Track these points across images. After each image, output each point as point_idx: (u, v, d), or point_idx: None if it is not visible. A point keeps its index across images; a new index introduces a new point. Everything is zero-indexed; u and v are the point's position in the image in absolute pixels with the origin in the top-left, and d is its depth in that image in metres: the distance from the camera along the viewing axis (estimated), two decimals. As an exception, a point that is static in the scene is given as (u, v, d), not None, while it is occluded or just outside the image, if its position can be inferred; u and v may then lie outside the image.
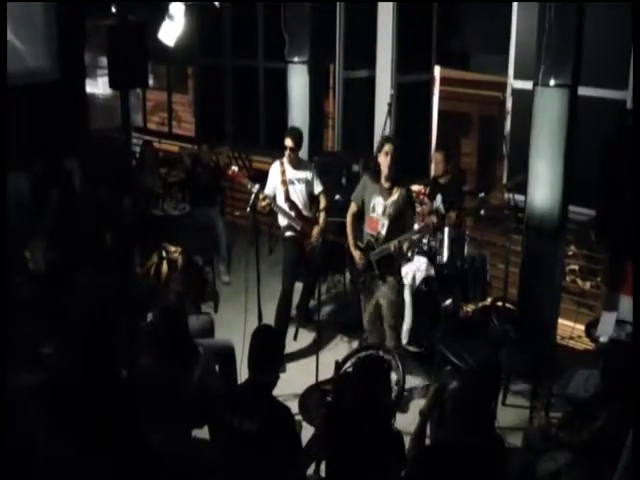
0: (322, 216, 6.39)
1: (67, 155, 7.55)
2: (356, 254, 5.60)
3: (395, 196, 5.47)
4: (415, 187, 7.37)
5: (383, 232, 5.48)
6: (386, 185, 5.48)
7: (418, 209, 6.72)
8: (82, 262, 5.75)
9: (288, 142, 6.19)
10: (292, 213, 6.25)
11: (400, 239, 5.38)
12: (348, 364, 4.86)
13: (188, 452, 3.99)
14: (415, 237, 5.71)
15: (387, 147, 5.43)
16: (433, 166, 7.16)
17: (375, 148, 7.67)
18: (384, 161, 5.41)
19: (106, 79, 7.73)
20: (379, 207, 5.47)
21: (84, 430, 3.42)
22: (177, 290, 6.10)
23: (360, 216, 5.67)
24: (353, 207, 5.72)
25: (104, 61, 9.66)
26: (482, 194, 6.51)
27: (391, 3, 7.94)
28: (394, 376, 5.44)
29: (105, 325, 4.23)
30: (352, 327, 6.63)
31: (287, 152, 6.21)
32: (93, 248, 6.31)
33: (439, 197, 6.80)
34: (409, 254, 5.94)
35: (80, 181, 7.60)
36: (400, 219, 5.48)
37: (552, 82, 5.61)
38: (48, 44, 8.05)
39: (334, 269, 7.65)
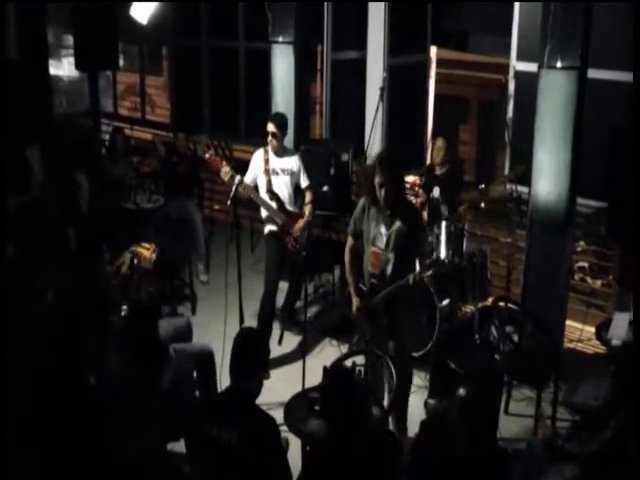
0: (307, 209, 6.37)
1: (28, 142, 7.49)
2: (355, 301, 5.10)
3: (398, 223, 4.88)
4: (410, 178, 7.37)
5: (389, 270, 4.96)
6: (387, 211, 4.92)
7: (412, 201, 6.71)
8: (44, 259, 5.69)
9: (270, 127, 6.13)
10: (274, 206, 6.21)
11: (420, 271, 4.80)
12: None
13: (163, 466, 3.97)
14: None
15: (377, 178, 4.81)
16: (431, 154, 7.13)
17: (366, 157, 7.66)
18: (378, 191, 4.85)
19: (72, 60, 7.66)
20: (381, 238, 4.94)
21: (46, 442, 3.39)
22: (149, 291, 6.05)
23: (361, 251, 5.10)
24: (350, 241, 5.17)
25: (69, 40, 9.61)
26: (482, 185, 6.50)
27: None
28: (386, 383, 5.43)
29: (70, 328, 4.20)
30: (341, 330, 6.61)
31: (269, 138, 6.16)
32: (56, 244, 6.24)
33: (437, 189, 6.78)
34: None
35: (42, 170, 7.54)
36: (409, 250, 4.94)
37: (558, 64, 5.60)
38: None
39: (322, 267, 7.63)
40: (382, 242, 4.96)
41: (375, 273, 5.00)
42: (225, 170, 5.85)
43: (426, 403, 5.44)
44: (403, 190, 5.09)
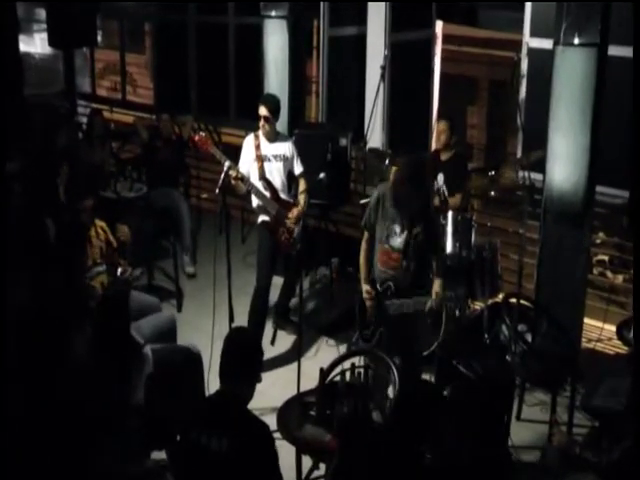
0: (302, 198, 6.37)
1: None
2: (364, 287, 5.22)
3: (418, 229, 5.02)
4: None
5: (407, 278, 5.11)
6: (406, 213, 5.04)
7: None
8: (19, 259, 5.65)
9: (263, 111, 6.13)
10: (267, 194, 6.20)
11: (444, 298, 4.96)
12: (334, 372, 4.81)
13: (143, 474, 3.98)
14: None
15: (394, 173, 5.08)
16: (434, 138, 7.12)
17: (366, 142, 7.65)
18: (396, 189, 4.99)
19: (45, 35, 7.57)
20: (395, 238, 5.06)
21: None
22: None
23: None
24: (365, 234, 5.31)
25: (42, 13, 9.54)
26: (492, 172, 6.48)
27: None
28: (390, 389, 5.42)
29: (46, 329, 4.20)
30: (339, 329, 6.59)
31: (261, 123, 6.15)
32: (31, 240, 6.20)
33: (441, 176, 6.77)
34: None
35: (17, 157, 7.49)
36: (428, 258, 5.11)
37: (576, 40, 5.57)
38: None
39: (318, 261, 7.62)
40: (395, 241, 5.05)
41: (389, 274, 5.11)
42: (217, 152, 5.92)
43: None
44: (428, 195, 5.22)
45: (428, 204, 5.25)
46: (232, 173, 5.86)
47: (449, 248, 6.39)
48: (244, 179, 6.05)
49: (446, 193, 6.62)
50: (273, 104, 6.20)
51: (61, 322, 4.47)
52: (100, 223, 6.07)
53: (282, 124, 6.86)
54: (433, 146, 7.70)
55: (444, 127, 6.86)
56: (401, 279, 5.11)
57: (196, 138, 6.11)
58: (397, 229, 5.04)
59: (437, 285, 5.10)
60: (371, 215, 5.18)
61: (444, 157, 6.93)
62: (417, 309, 5.04)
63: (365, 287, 5.22)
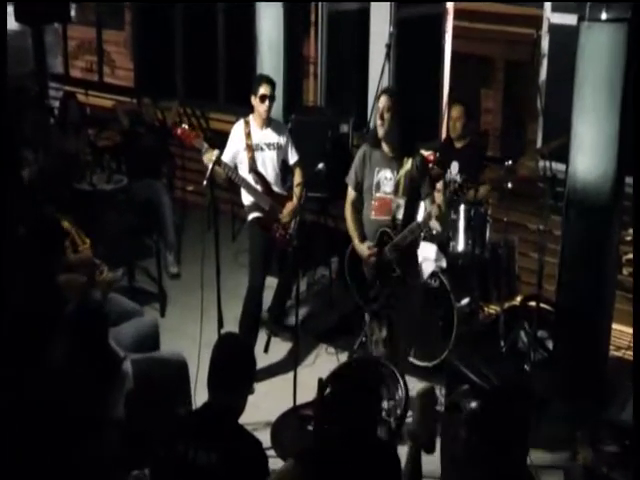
0: (298, 192, 6.37)
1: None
2: (362, 247, 5.51)
3: (408, 166, 5.38)
4: (422, 153, 7.36)
5: (400, 216, 5.41)
6: (392, 153, 5.44)
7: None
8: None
9: (266, 89, 6.12)
10: (258, 188, 6.19)
11: (430, 210, 5.29)
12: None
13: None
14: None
15: (382, 100, 5.38)
16: (449, 124, 7.10)
17: (369, 129, 7.75)
18: (379, 120, 5.36)
19: (11, 10, 7.54)
20: (388, 183, 5.43)
21: None
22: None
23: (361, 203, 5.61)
24: (351, 193, 5.66)
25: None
26: (509, 162, 6.48)
27: None
28: (395, 397, 5.43)
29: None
30: (339, 335, 6.60)
31: (266, 104, 6.12)
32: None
33: (455, 165, 6.77)
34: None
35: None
36: (417, 197, 5.44)
37: (603, 15, 5.56)
38: None
39: (316, 260, 7.63)
40: (388, 187, 5.43)
41: (385, 221, 5.44)
42: (203, 146, 5.85)
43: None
44: (409, 134, 5.56)
45: (414, 140, 5.68)
46: (207, 156, 5.78)
47: (461, 245, 6.43)
48: (231, 171, 6.03)
49: (460, 184, 6.63)
50: (274, 83, 6.21)
51: (34, 327, 4.46)
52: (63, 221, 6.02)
53: (277, 109, 6.86)
54: (444, 133, 7.71)
55: (459, 113, 6.87)
56: (395, 218, 5.43)
57: (179, 132, 6.08)
58: (388, 174, 5.43)
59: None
60: (357, 173, 5.56)
61: (458, 145, 6.95)
62: (413, 235, 5.41)
63: (362, 246, 5.51)
